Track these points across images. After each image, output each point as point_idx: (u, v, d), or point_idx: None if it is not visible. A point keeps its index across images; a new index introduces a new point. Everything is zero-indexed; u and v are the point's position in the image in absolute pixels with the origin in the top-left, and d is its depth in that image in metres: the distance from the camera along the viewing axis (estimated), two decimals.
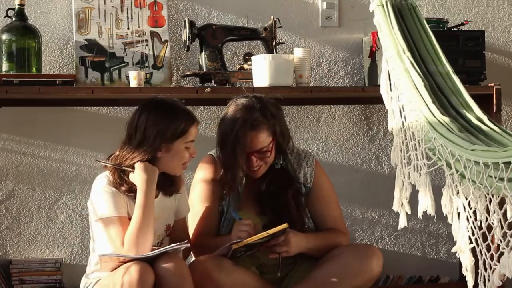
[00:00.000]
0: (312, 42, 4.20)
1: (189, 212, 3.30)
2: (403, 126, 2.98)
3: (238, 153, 3.16)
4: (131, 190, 3.06)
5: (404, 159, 2.99)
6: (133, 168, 3.04)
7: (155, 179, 3.04)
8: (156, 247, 3.06)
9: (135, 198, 3.05)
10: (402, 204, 3.01)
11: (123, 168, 3.05)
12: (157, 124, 3.04)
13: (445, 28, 4.05)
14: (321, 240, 3.28)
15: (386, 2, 3.13)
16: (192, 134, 3.09)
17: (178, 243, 3.03)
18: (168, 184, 3.14)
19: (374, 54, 3.98)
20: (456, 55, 3.91)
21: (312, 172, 3.37)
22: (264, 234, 3.08)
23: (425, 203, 2.85)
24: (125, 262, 2.93)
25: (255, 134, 3.17)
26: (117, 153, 3.10)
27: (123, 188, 3.06)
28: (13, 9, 3.73)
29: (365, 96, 4.08)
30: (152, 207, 3.02)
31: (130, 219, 3.04)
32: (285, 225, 3.10)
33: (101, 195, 3.05)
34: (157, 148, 3.04)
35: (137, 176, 3.03)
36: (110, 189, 3.05)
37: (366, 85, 4.08)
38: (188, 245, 3.09)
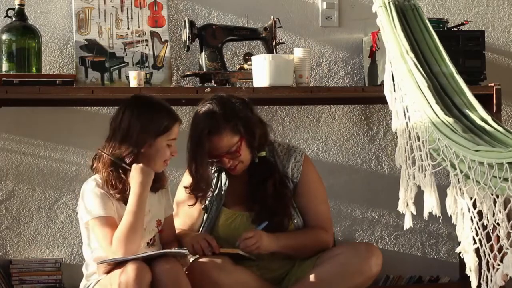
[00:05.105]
0: (312, 42, 4.19)
1: (173, 212, 3.31)
2: (407, 127, 2.98)
3: (198, 160, 3.18)
4: (123, 190, 3.06)
5: (409, 160, 2.98)
6: (130, 166, 3.05)
7: (150, 181, 3.05)
8: (150, 249, 3.08)
9: (124, 201, 3.06)
10: (407, 205, 3.01)
11: (123, 165, 3.05)
12: (141, 120, 3.05)
13: (445, 28, 4.06)
14: (294, 239, 3.26)
15: (389, 2, 3.12)
16: (174, 132, 3.10)
17: (177, 248, 3.04)
18: (153, 180, 3.13)
19: (374, 54, 3.98)
20: (456, 55, 3.89)
21: (300, 167, 3.33)
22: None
23: (431, 204, 2.85)
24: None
25: (218, 139, 3.17)
26: (105, 150, 3.09)
27: (116, 187, 3.06)
28: (13, 9, 3.73)
29: (365, 96, 4.08)
30: (143, 210, 3.02)
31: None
32: (235, 250, 3.16)
33: (89, 197, 3.06)
34: (141, 144, 3.05)
35: (133, 178, 3.03)
36: (99, 191, 3.06)
37: (366, 85, 4.08)
38: (187, 253, 3.09)
